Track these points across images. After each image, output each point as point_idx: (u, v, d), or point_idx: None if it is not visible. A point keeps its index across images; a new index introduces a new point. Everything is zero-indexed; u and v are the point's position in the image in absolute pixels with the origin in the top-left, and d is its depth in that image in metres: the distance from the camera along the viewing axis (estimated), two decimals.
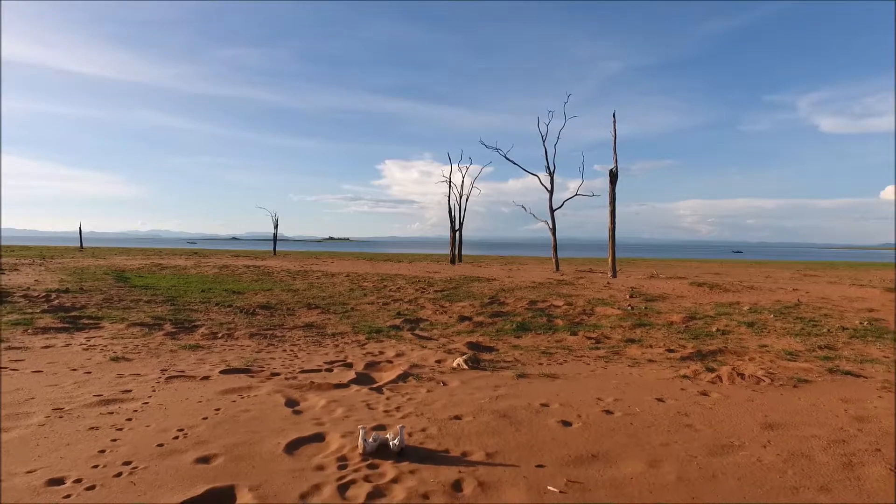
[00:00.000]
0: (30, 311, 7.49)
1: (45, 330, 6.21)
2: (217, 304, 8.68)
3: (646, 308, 8.51)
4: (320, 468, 2.49)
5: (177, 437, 2.85)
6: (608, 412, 3.49)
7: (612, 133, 14.75)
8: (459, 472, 2.47)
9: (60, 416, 3.16)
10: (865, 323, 7.19)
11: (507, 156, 19.80)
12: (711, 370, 4.76)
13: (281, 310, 8.25)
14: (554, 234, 18.25)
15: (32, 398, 3.55)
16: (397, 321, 7.34)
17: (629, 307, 8.55)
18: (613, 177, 14.19)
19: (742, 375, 4.59)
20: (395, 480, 2.35)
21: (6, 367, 4.44)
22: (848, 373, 4.74)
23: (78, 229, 38.30)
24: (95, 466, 2.45)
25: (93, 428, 2.98)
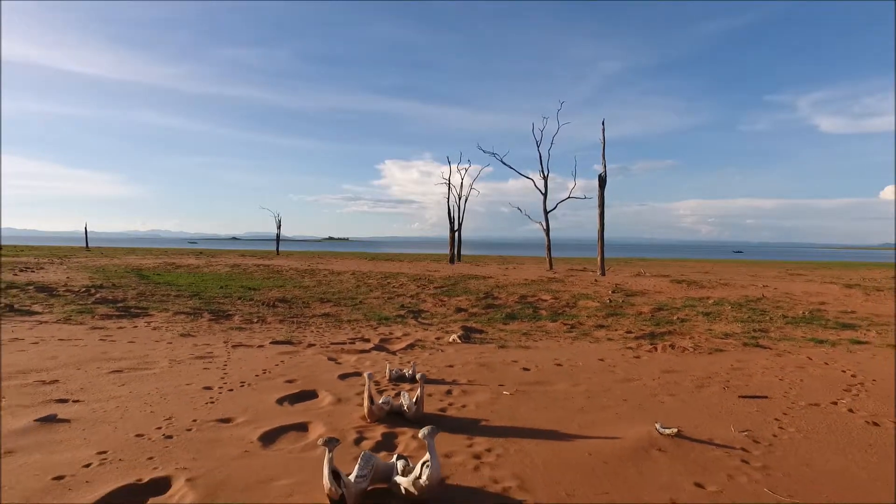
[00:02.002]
0: (82, 302, 9.33)
1: (109, 316, 8.04)
2: (239, 299, 10.52)
3: (623, 301, 10.33)
4: (363, 385, 4.31)
5: (264, 372, 4.68)
6: (559, 365, 5.31)
7: (602, 140, 16.68)
8: (450, 387, 4.30)
9: (179, 363, 4.99)
10: (807, 313, 9.00)
11: (504, 160, 21.78)
12: (653, 344, 6.57)
13: (297, 303, 10.07)
14: (548, 234, 20.26)
15: (147, 355, 5.38)
16: (402, 312, 9.16)
17: (608, 301, 10.38)
18: (602, 181, 16.10)
19: (674, 347, 6.40)
20: (411, 389, 4.17)
21: (105, 339, 6.27)
22: (760, 346, 6.54)
23: (84, 229, 40.73)
24: (224, 382, 4.28)
25: (205, 368, 4.81)
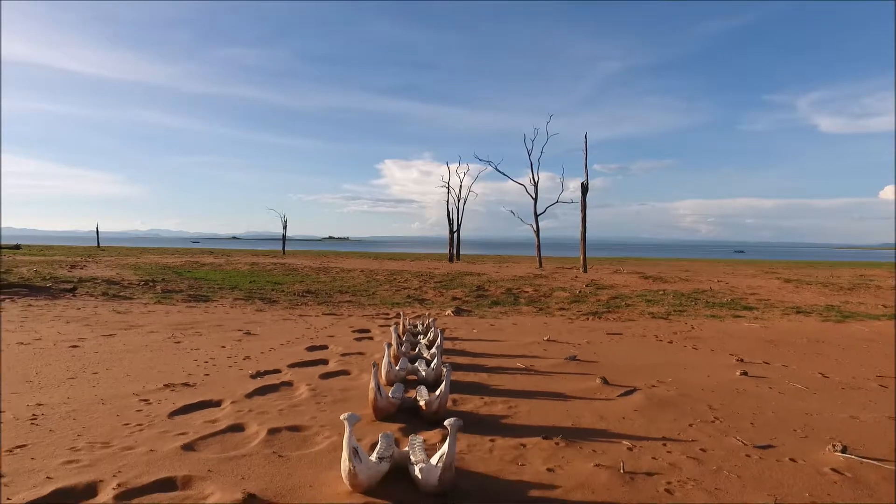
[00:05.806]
0: (153, 292, 13.89)
1: (188, 300, 12.62)
2: (272, 290, 15.09)
3: (590, 293, 14.88)
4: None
5: (332, 325, 9.23)
6: (514, 325, 9.85)
7: (584, 151, 21.32)
8: (444, 330, 8.85)
9: (276, 322, 9.55)
10: (729, 300, 13.53)
11: (498, 167, 26.74)
12: (588, 317, 11.09)
13: (321, 294, 14.64)
14: (538, 235, 25.39)
15: (251, 319, 9.93)
16: (408, 300, 13.72)
17: (579, 292, 14.92)
18: (584, 189, 20.78)
19: (601, 318, 10.94)
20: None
21: (207, 311, 10.82)
22: (666, 319, 11.04)
23: (95, 229, 46.69)
24: (315, 329, 8.83)
25: (295, 324, 9.36)
